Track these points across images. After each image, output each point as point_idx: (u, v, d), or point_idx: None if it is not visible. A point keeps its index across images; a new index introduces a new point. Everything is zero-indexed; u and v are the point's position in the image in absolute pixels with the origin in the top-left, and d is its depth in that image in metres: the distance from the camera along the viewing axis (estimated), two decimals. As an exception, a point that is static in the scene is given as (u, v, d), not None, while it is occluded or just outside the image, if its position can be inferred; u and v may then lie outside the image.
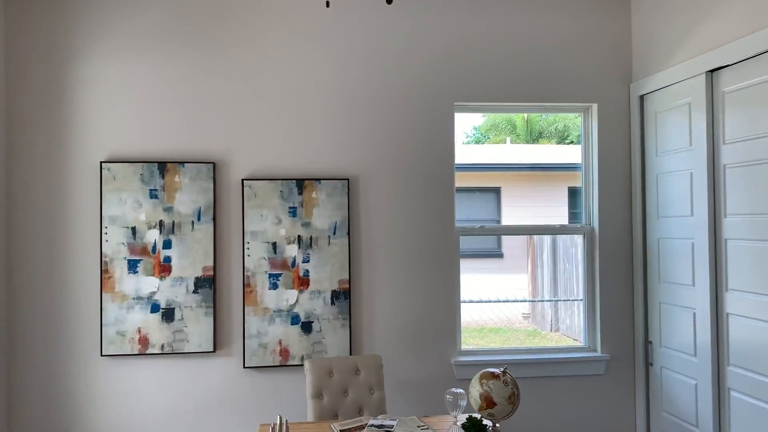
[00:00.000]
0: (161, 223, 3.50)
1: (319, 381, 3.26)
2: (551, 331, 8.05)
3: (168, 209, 3.51)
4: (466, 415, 2.73)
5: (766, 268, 2.91)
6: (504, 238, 9.20)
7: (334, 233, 3.64)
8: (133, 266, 3.48)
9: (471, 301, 7.17)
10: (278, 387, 3.61)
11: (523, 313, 8.80)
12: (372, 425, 2.90)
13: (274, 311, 3.59)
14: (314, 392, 3.24)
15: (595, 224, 3.91)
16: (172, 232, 3.51)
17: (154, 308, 3.49)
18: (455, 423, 2.70)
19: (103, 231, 3.46)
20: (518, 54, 3.84)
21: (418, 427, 2.90)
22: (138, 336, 3.47)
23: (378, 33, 3.74)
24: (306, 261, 3.62)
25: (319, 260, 3.62)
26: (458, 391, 2.72)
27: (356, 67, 3.72)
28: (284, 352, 3.59)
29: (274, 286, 3.60)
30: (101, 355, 3.46)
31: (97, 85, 3.53)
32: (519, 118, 12.84)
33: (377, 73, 3.73)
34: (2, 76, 3.43)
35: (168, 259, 3.50)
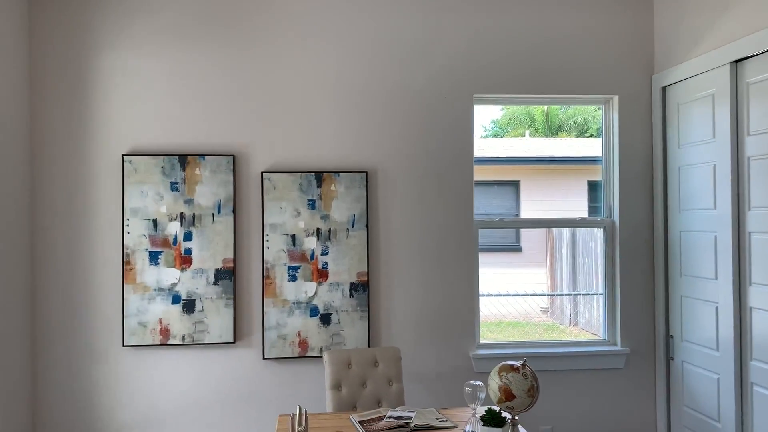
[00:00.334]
0: (182, 216, 3.54)
1: (338, 372, 3.28)
2: (570, 325, 8.00)
3: (189, 201, 3.54)
4: (485, 408, 2.73)
5: (791, 261, 2.87)
6: (522, 232, 9.15)
7: (353, 226, 3.65)
8: (154, 258, 3.52)
9: (489, 295, 7.14)
10: (297, 378, 3.63)
11: (542, 308, 8.76)
12: (391, 416, 2.91)
13: (293, 303, 3.61)
14: (333, 383, 3.26)
15: (616, 217, 3.87)
16: (193, 224, 3.54)
17: (175, 299, 3.53)
18: (474, 415, 2.70)
19: (125, 223, 3.51)
20: (538, 45, 3.81)
21: (437, 418, 2.91)
22: (159, 327, 3.52)
23: (397, 26, 3.73)
24: (325, 253, 3.63)
25: (338, 253, 3.64)
26: (477, 383, 2.72)
27: (375, 60, 3.72)
28: (303, 344, 3.61)
29: (293, 278, 3.62)
30: (123, 346, 3.50)
31: (119, 79, 3.56)
32: (538, 111, 12.75)
33: (396, 66, 3.73)
34: (26, 69, 3.48)
35: (189, 251, 3.54)
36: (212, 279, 3.55)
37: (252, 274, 3.63)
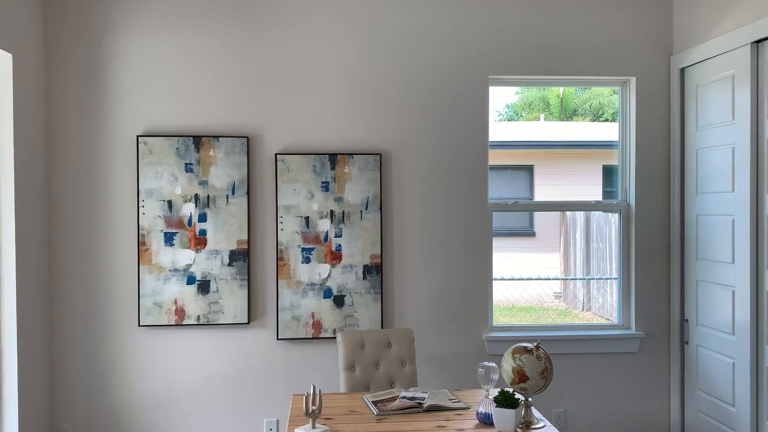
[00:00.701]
0: (196, 197, 3.55)
1: (352, 353, 3.29)
2: (583, 310, 7.98)
3: (203, 183, 3.55)
4: (498, 389, 2.73)
5: (810, 245, 2.83)
6: (536, 217, 9.11)
7: (366, 208, 3.65)
8: (169, 239, 3.54)
9: (502, 279, 7.12)
10: (311, 359, 3.66)
11: (555, 293, 8.74)
12: (404, 397, 2.92)
13: (307, 285, 3.63)
14: (347, 364, 3.28)
15: (632, 201, 3.84)
16: (207, 205, 3.56)
17: (190, 280, 3.55)
18: (487, 396, 2.70)
19: (140, 204, 3.53)
20: (554, 26, 3.76)
21: (450, 399, 2.92)
22: (174, 307, 3.55)
23: (412, 7, 3.70)
24: (338, 235, 3.64)
25: (351, 235, 3.64)
26: (491, 365, 2.72)
27: (390, 42, 3.69)
28: (317, 325, 3.63)
29: (307, 260, 3.63)
30: (139, 326, 3.54)
31: (134, 60, 3.57)
32: (553, 96, 12.63)
33: (411, 48, 3.70)
34: (40, 51, 3.50)
35: (203, 232, 3.56)
36: (227, 260, 3.57)
37: (266, 255, 3.64)
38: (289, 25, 3.64)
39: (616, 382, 3.82)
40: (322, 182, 3.62)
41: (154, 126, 3.57)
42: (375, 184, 3.65)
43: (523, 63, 3.75)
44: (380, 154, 3.65)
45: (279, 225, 3.60)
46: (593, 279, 7.88)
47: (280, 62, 3.63)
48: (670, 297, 3.82)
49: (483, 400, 2.71)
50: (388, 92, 3.69)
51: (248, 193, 3.59)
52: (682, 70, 3.71)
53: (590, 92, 12.55)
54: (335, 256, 3.64)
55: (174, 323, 3.55)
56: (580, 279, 8.24)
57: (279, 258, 3.61)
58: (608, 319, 6.60)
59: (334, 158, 3.62)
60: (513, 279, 7.65)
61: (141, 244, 3.53)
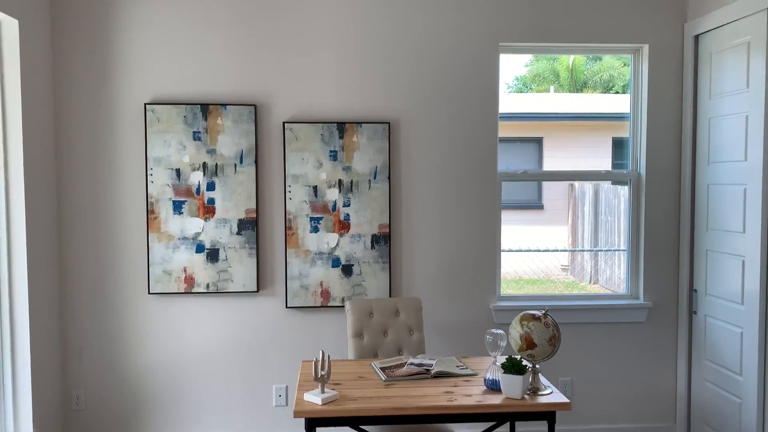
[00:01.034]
0: (204, 165, 3.55)
1: (360, 321, 3.31)
2: (590, 283, 7.98)
3: (211, 151, 3.55)
4: (506, 356, 2.74)
5: (823, 213, 2.81)
6: (545, 189, 9.07)
7: (375, 177, 3.64)
8: (178, 207, 3.55)
9: (510, 250, 7.12)
10: (320, 327, 3.68)
11: (562, 265, 8.74)
12: (412, 363, 2.94)
13: (315, 254, 3.64)
14: (355, 332, 3.30)
15: (642, 170, 3.81)
16: (216, 174, 3.56)
17: (199, 249, 3.57)
18: (495, 363, 2.71)
19: (149, 172, 3.53)
20: (566, -8, 3.69)
21: (457, 366, 2.94)
22: (184, 275, 3.57)
23: (421, -29, 3.64)
24: (346, 205, 3.63)
25: (360, 204, 3.63)
26: (498, 332, 2.73)
27: (399, 9, 3.64)
28: (325, 294, 3.64)
29: (315, 230, 3.63)
30: (149, 293, 3.57)
31: (142, 27, 3.54)
32: (563, 68, 12.48)
33: (420, 15, 3.64)
34: (47, 17, 3.47)
35: (212, 201, 3.56)
36: (235, 229, 3.58)
37: (274, 224, 3.65)
38: (297, -8, 3.59)
39: (623, 352, 3.84)
40: (331, 151, 3.61)
41: (161, 93, 3.55)
42: (383, 153, 3.63)
43: (534, 30, 3.69)
44: (389, 123, 3.63)
45: (287, 194, 3.60)
46: (601, 251, 7.87)
47: (288, 30, 3.59)
48: (679, 267, 3.81)
49: (490, 366, 2.72)
50: (397, 60, 3.65)
51: (256, 161, 3.58)
52: (696, 37, 3.65)
53: (601, 64, 12.39)
54: (343, 226, 3.64)
55: (183, 291, 3.57)
56: (588, 251, 8.24)
57: (287, 227, 3.61)
58: (616, 292, 6.60)
59: (342, 127, 3.60)
60: (521, 250, 7.66)
61: (150, 212, 3.54)
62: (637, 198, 3.85)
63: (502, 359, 2.71)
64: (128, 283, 3.60)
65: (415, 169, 3.70)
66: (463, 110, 3.69)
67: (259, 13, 3.58)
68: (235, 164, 3.56)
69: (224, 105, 3.54)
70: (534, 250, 7.97)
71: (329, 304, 3.65)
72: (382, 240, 3.66)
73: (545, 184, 8.94)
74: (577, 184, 8.50)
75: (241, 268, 3.59)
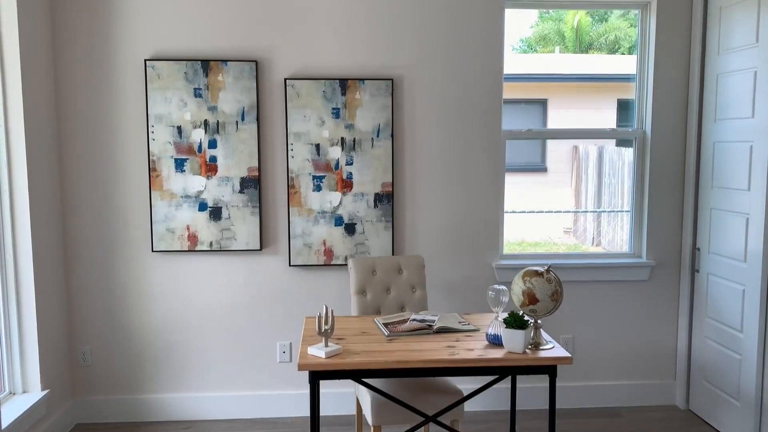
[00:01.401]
0: (206, 123, 3.52)
1: (363, 279, 3.33)
2: (593, 245, 7.99)
3: (212, 109, 3.51)
4: (508, 312, 2.76)
5: (829, 169, 2.78)
6: (548, 151, 9.01)
7: (378, 135, 3.61)
8: (180, 165, 3.54)
9: (514, 212, 7.13)
10: (323, 285, 3.70)
11: (565, 228, 8.74)
12: (414, 319, 2.96)
13: (318, 213, 3.63)
14: (358, 289, 3.32)
15: (648, 128, 3.77)
16: (217, 131, 3.53)
17: (202, 207, 3.57)
18: (497, 318, 2.73)
19: (150, 130, 3.50)
20: (574, -55, 3.60)
21: (459, 322, 2.96)
22: (187, 233, 3.57)
23: (425, -77, 3.55)
24: (349, 163, 3.61)
25: (362, 163, 3.61)
26: (501, 287, 2.74)
27: (401, -40, 3.56)
28: (328, 253, 3.65)
29: (318, 188, 3.62)
30: (152, 251, 3.58)
31: (139, -19, 3.47)
32: (568, 28, 12.28)
33: (423, -33, 3.57)
34: (45, -29, 3.41)
35: (214, 159, 3.54)
36: (238, 187, 3.57)
37: (277, 183, 3.64)
38: (298, -56, 3.51)
39: (625, 310, 3.86)
40: (333, 108, 3.57)
41: (161, 49, 3.50)
42: (386, 110, 3.59)
43: (540, -16, 3.62)
44: (392, 80, 3.58)
45: (289, 152, 3.58)
46: (605, 212, 7.86)
47: (288, -17, 3.52)
48: (683, 226, 3.80)
49: (492, 322, 2.74)
50: (401, 15, 3.58)
51: (258, 119, 3.55)
52: (706, -9, 3.57)
53: (606, 25, 12.18)
54: (346, 184, 3.63)
55: (187, 249, 3.58)
56: (591, 212, 8.23)
57: (290, 185, 3.60)
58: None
59: (344, 84, 3.55)
60: (524, 212, 7.65)
61: (152, 170, 3.53)
62: (641, 157, 3.82)
63: (504, 315, 2.72)
64: (132, 241, 3.61)
65: (418, 127, 3.66)
66: (468, 67, 3.63)
67: (259, -34, 3.50)
68: (237, 122, 3.53)
69: (225, 61, 3.49)
70: (537, 212, 7.97)
71: (332, 263, 3.66)
72: (385, 199, 3.65)
73: (549, 147, 8.88)
74: (581, 146, 8.44)
75: (244, 227, 3.59)
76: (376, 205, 3.65)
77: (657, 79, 3.71)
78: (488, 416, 3.74)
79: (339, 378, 2.54)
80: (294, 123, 3.56)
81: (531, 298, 2.65)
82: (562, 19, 12.06)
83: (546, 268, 2.70)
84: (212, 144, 3.53)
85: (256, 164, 3.57)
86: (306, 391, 3.74)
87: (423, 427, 3.36)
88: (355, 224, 3.65)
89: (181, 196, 3.55)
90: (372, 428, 2.84)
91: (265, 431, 3.57)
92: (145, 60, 3.46)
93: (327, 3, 3.55)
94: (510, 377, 3.36)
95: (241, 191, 3.57)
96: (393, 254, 3.69)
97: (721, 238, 3.49)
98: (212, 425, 3.65)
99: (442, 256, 3.74)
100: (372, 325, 2.97)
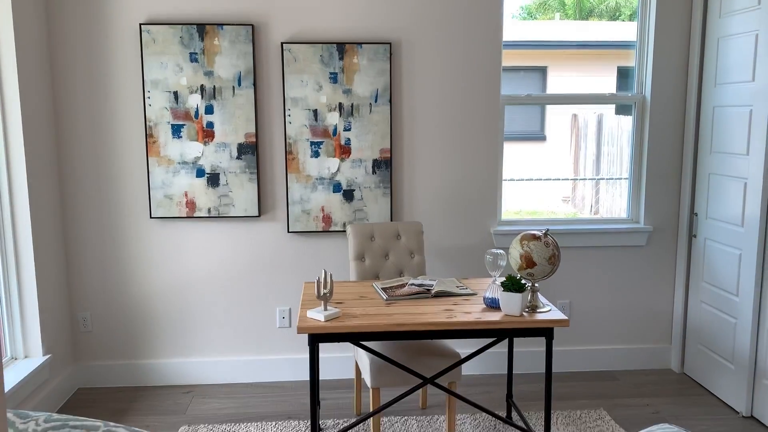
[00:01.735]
0: (202, 88, 3.49)
1: (361, 244, 3.34)
2: (591, 213, 8.00)
3: (209, 73, 3.48)
4: (505, 276, 2.77)
5: (829, 132, 2.77)
6: (547, 121, 8.97)
7: (376, 101, 3.58)
8: (176, 131, 3.51)
9: (512, 180, 7.13)
10: (321, 251, 3.71)
11: (563, 197, 8.74)
12: (412, 284, 2.98)
13: (316, 179, 3.62)
14: (356, 255, 3.33)
15: (647, 93, 3.74)
16: (214, 97, 3.50)
17: (200, 173, 3.56)
18: (494, 282, 2.75)
19: (146, 95, 3.47)
20: None
21: (457, 287, 2.98)
22: (185, 200, 3.57)
23: None
24: (347, 129, 3.59)
25: (361, 128, 3.59)
26: (498, 251, 2.75)
27: None
28: (327, 219, 3.66)
29: (316, 154, 3.61)
30: (150, 218, 3.58)
31: (132, -57, 3.41)
32: (569, -6, 12.08)
33: (422, -72, 3.50)
34: (35, -67, 3.34)
35: (211, 125, 3.52)
36: (235, 153, 3.55)
37: (275, 149, 3.62)
38: None
39: (621, 275, 3.88)
40: (330, 73, 3.54)
41: (156, 13, 3.46)
42: (385, 75, 3.56)
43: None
44: (390, 44, 3.54)
45: (287, 118, 3.56)
46: (603, 179, 7.85)
47: (284, -55, 3.46)
48: (681, 191, 3.80)
49: (490, 285, 2.76)
50: (397, -22, 3.53)
51: (255, 84, 3.52)
52: (709, -48, 3.52)
53: (608, -10, 11.99)
54: (344, 150, 3.61)
55: (185, 216, 3.58)
56: (589, 179, 8.22)
57: (288, 152, 3.59)
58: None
59: (342, 48, 3.51)
60: (522, 180, 7.65)
61: (149, 136, 3.51)
62: (641, 122, 3.81)
63: (502, 279, 2.74)
64: (130, 208, 3.61)
65: (417, 93, 3.64)
66: (468, 32, 3.59)
67: (254, -73, 3.44)
68: (233, 87, 3.50)
69: (221, 25, 3.45)
70: (536, 179, 7.96)
71: (331, 229, 3.67)
72: (384, 165, 3.64)
73: (548, 115, 8.83)
74: (580, 115, 8.39)
75: (242, 193, 3.59)
76: (374, 172, 3.64)
77: (657, 44, 3.67)
78: (486, 379, 3.79)
79: (338, 341, 2.56)
80: (291, 88, 3.53)
81: (528, 262, 2.66)
82: (563, -15, 11.88)
83: (543, 231, 2.71)
84: (209, 109, 3.51)
85: (254, 130, 3.55)
86: (305, 355, 3.78)
87: (421, 390, 3.41)
88: (354, 190, 3.65)
89: (179, 163, 3.54)
90: (371, 390, 2.88)
91: (264, 395, 3.62)
92: (140, 24, 3.42)
93: (324, -35, 3.49)
94: (507, 340, 3.40)
95: (238, 157, 3.56)
96: (391, 220, 3.69)
97: (718, 203, 3.50)
98: (212, 389, 3.69)
99: (440, 222, 3.75)
100: (371, 289, 2.99)
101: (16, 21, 3.11)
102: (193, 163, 3.54)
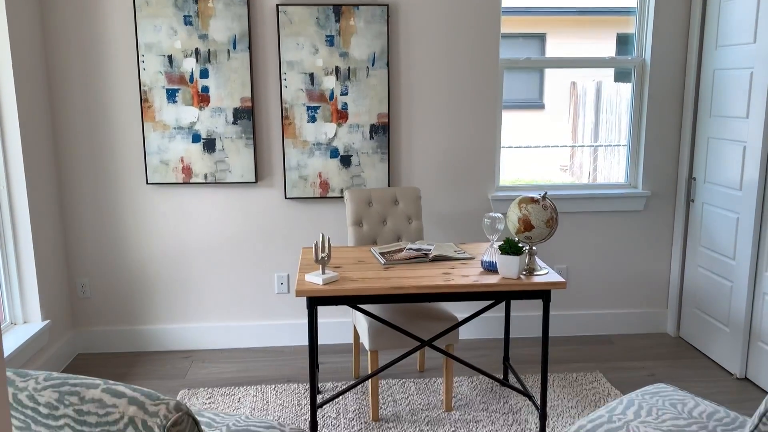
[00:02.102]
0: (197, 51, 3.44)
1: (359, 210, 3.33)
2: (589, 182, 7.99)
3: (203, 37, 3.43)
4: (503, 239, 2.77)
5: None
6: (546, 88, 8.90)
7: (373, 65, 3.54)
8: (171, 96, 3.47)
9: (510, 147, 7.10)
10: (319, 217, 3.70)
11: (561, 166, 8.72)
12: (410, 248, 2.98)
13: (313, 144, 3.60)
14: (354, 220, 3.32)
15: (647, 57, 3.70)
16: (209, 60, 3.45)
17: (195, 138, 3.52)
18: (492, 246, 2.75)
19: (140, 59, 3.42)
20: None
21: (455, 251, 2.98)
22: (181, 165, 3.54)
23: None
24: (344, 93, 3.55)
25: (358, 93, 3.56)
26: (496, 215, 2.75)
27: None
28: (324, 185, 3.64)
29: (313, 119, 3.57)
30: (147, 183, 3.56)
31: None
32: (568, -40, 11.89)
33: None
34: None
35: (206, 89, 3.48)
36: (231, 118, 3.52)
37: (270, 114, 3.59)
38: None
39: (619, 240, 3.89)
40: (327, 36, 3.49)
41: (148, -25, 3.39)
42: (382, 38, 3.51)
43: None
44: (387, 5, 3.48)
45: (283, 82, 3.52)
46: (602, 146, 7.83)
47: None
48: (680, 156, 3.79)
49: (488, 249, 2.76)
50: (395, -63, 3.46)
51: (250, 47, 3.47)
52: None
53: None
54: (341, 115, 3.58)
55: (182, 181, 3.56)
56: (588, 146, 8.20)
57: (284, 116, 3.55)
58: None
59: (338, 9, 3.46)
60: (521, 147, 7.62)
61: (144, 101, 3.47)
62: (640, 86, 3.77)
63: (500, 243, 2.74)
64: (126, 174, 3.59)
65: (415, 56, 3.59)
66: (465, -7, 3.53)
67: None
68: (228, 50, 3.45)
69: (215, -13, 3.38)
70: (534, 146, 7.94)
71: (328, 195, 3.65)
72: (381, 130, 3.61)
73: (547, 83, 8.75)
74: (579, 82, 8.32)
75: (238, 159, 3.56)
76: (371, 137, 3.62)
77: (658, 7, 3.62)
78: (483, 343, 3.82)
79: (336, 304, 2.57)
80: (287, 51, 3.48)
81: (526, 225, 2.66)
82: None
83: (542, 194, 2.70)
84: (204, 74, 3.46)
85: (249, 94, 3.51)
86: (303, 320, 3.80)
87: (419, 353, 3.44)
88: (351, 156, 3.62)
89: (174, 128, 3.51)
90: (369, 353, 2.90)
91: (264, 359, 3.64)
92: (132, -15, 3.35)
93: (319, -76, 3.41)
94: (504, 304, 3.42)
95: (234, 122, 3.53)
96: (389, 186, 3.68)
97: (717, 168, 3.48)
98: (211, 354, 3.72)
99: (438, 187, 3.73)
100: (368, 254, 2.99)
101: (5, -18, 3.04)
102: (188, 129, 3.51)
